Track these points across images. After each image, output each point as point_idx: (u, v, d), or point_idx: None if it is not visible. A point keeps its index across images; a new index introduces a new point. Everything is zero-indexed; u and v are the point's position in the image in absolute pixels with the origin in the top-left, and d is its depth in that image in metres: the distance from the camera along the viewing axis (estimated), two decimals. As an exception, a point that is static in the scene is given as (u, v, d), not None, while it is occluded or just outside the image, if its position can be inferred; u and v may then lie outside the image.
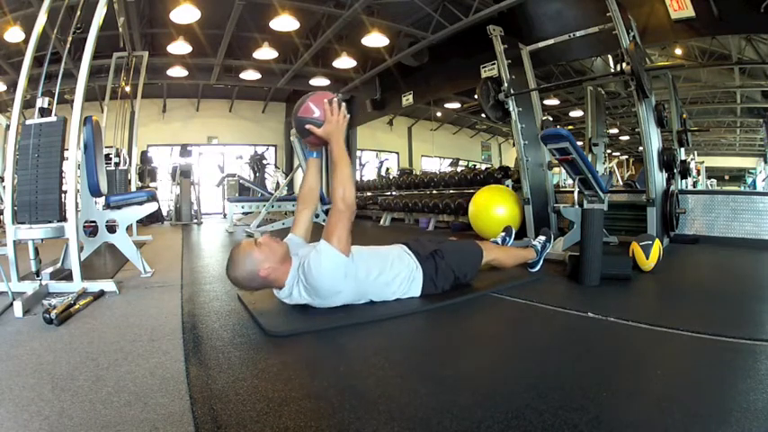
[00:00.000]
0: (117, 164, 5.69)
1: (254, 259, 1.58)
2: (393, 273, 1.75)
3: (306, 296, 1.61)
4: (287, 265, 1.63)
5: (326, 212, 4.57)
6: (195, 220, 7.35)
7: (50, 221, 2.10)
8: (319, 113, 1.67)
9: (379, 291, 1.73)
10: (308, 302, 1.64)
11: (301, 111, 1.70)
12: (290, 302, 1.67)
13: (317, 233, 1.78)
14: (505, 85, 3.56)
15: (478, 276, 2.12)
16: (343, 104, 1.71)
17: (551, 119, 5.26)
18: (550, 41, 3.74)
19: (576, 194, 2.81)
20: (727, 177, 13.69)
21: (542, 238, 2.47)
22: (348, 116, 1.71)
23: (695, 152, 8.19)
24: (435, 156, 12.49)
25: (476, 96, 3.65)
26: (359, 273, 1.65)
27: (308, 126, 1.68)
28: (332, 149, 1.67)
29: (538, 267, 2.40)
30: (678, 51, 6.89)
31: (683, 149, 4.62)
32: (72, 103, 2.16)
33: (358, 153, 10.22)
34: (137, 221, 3.84)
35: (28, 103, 2.39)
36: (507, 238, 2.53)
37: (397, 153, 12.38)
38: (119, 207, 2.68)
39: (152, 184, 8.13)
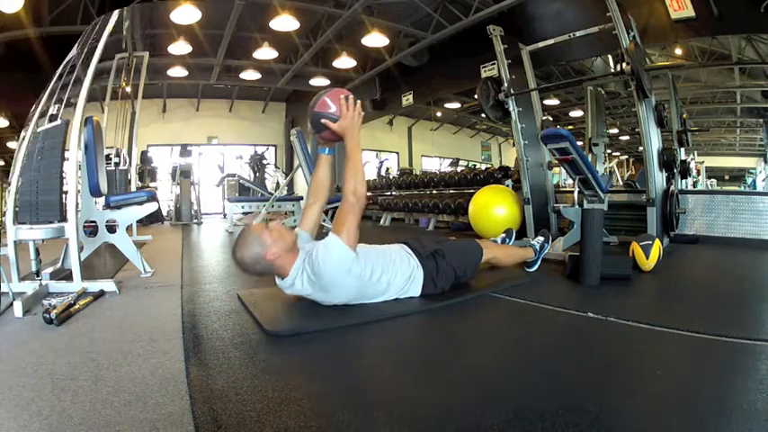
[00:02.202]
0: (117, 164, 5.69)
1: (262, 242, 1.59)
2: (394, 272, 1.75)
3: (308, 287, 1.62)
4: (293, 254, 1.64)
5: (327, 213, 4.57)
6: (195, 220, 7.35)
7: (51, 222, 2.10)
8: (335, 109, 1.71)
9: (380, 290, 1.73)
10: (309, 294, 1.64)
11: (317, 106, 1.73)
12: (290, 292, 1.67)
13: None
14: (505, 85, 3.56)
15: (478, 276, 2.12)
16: (358, 102, 1.75)
17: (551, 119, 5.27)
18: (550, 41, 3.74)
19: (576, 194, 2.80)
20: (727, 177, 13.64)
21: (541, 238, 2.49)
22: (363, 113, 1.76)
23: (695, 152, 8.16)
24: (435, 156, 12.47)
25: (476, 96, 3.65)
26: (364, 273, 1.66)
27: (323, 121, 1.72)
28: (346, 144, 1.73)
29: (536, 267, 2.41)
30: (678, 51, 6.88)
31: (683, 149, 4.61)
32: (74, 105, 2.17)
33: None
34: (137, 221, 3.83)
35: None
36: (507, 240, 2.54)
37: (397, 153, 12.36)
38: (119, 207, 2.67)
39: (152, 184, 8.13)
